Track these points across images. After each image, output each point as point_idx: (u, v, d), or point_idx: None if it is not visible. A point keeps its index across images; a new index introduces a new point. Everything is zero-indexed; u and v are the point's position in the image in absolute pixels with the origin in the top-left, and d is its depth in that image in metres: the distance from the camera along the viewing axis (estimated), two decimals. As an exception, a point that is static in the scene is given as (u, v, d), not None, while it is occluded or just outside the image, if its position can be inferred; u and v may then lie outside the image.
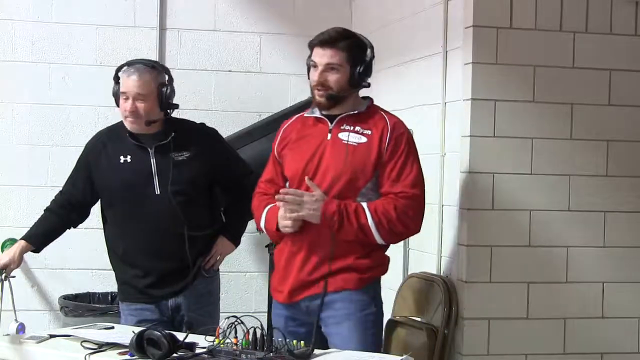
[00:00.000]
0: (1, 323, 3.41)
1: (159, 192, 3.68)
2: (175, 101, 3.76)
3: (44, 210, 3.84)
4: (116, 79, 3.73)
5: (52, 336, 3.15)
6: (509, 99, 3.77)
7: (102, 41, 5.08)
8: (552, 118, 3.84)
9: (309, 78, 3.40)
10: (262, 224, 3.47)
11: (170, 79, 3.76)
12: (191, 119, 3.93)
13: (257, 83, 5.24)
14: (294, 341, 2.80)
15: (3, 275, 3.52)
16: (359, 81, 3.32)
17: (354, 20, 5.27)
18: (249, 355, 2.72)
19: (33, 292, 5.03)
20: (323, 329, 3.35)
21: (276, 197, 3.30)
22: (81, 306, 4.71)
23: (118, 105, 3.73)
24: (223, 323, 2.83)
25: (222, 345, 2.78)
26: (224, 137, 4.05)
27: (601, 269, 3.90)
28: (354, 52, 3.30)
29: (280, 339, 2.77)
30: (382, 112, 3.39)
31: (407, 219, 3.27)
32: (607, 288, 3.91)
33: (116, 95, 3.72)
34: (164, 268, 3.72)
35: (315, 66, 3.34)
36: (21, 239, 3.74)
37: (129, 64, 3.73)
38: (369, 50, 3.34)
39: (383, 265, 3.42)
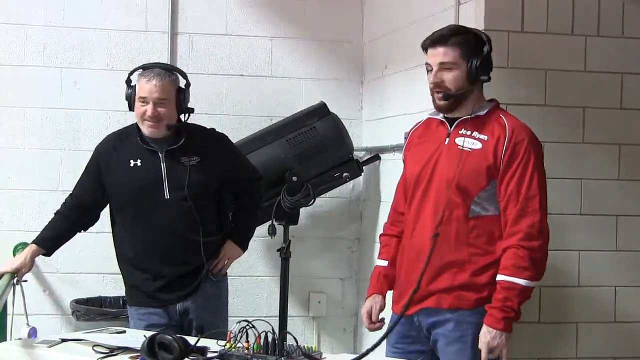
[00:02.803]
0: (13, 327, 3.42)
1: (168, 197, 3.68)
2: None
3: (54, 214, 3.83)
4: (129, 81, 3.73)
5: (63, 340, 3.16)
6: (520, 102, 3.75)
7: (114, 46, 5.08)
8: (563, 121, 3.83)
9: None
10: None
11: (188, 83, 3.77)
12: (202, 124, 3.93)
13: (268, 87, 5.23)
14: (306, 345, 2.80)
15: (15, 280, 3.52)
16: (476, 77, 3.08)
17: (365, 24, 5.26)
18: (260, 360, 2.72)
19: (45, 296, 5.02)
20: (434, 346, 3.20)
21: None
22: (93, 310, 4.72)
23: (131, 109, 3.73)
24: (234, 327, 2.83)
25: (233, 350, 2.78)
26: (235, 141, 4.05)
27: (613, 273, 3.89)
28: (467, 47, 3.07)
29: (291, 343, 2.78)
30: (503, 116, 3.14)
31: (534, 247, 3.05)
32: (620, 292, 3.90)
33: (130, 98, 3.71)
34: (174, 272, 3.72)
35: (430, 69, 3.14)
36: (32, 242, 3.73)
37: (146, 67, 3.71)
38: (485, 44, 3.10)
39: None
